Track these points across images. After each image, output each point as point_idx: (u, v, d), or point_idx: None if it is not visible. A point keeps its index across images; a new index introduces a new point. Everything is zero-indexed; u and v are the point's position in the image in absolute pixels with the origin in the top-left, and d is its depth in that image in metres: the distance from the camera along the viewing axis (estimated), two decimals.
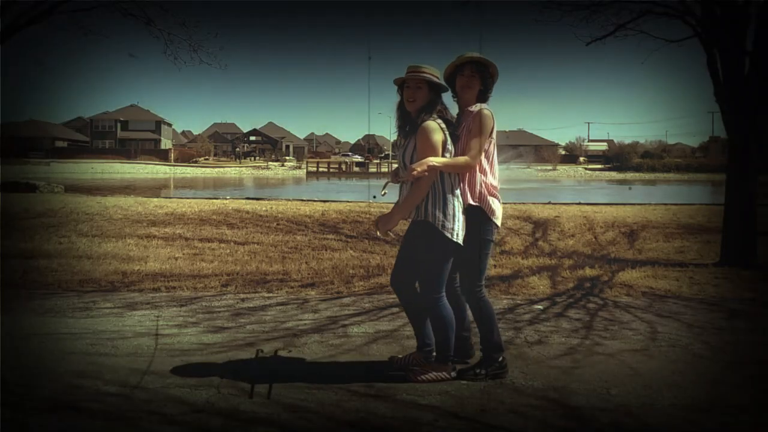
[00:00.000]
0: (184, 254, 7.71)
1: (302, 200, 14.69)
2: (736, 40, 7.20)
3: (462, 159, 3.42)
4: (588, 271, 6.77)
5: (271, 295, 5.66)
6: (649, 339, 4.34)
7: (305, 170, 61.05)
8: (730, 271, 6.85)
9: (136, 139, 78.43)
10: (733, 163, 7.45)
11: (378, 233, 3.61)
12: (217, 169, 63.68)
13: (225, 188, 34.58)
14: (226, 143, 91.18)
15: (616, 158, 71.55)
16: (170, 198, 17.23)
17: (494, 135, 3.56)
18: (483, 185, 3.51)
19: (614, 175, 61.11)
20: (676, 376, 3.61)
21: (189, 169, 63.36)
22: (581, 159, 76.39)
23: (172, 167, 63.21)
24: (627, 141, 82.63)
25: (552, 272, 6.74)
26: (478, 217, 3.49)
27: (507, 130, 77.47)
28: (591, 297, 5.65)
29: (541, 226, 10.27)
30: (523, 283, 6.17)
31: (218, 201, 14.04)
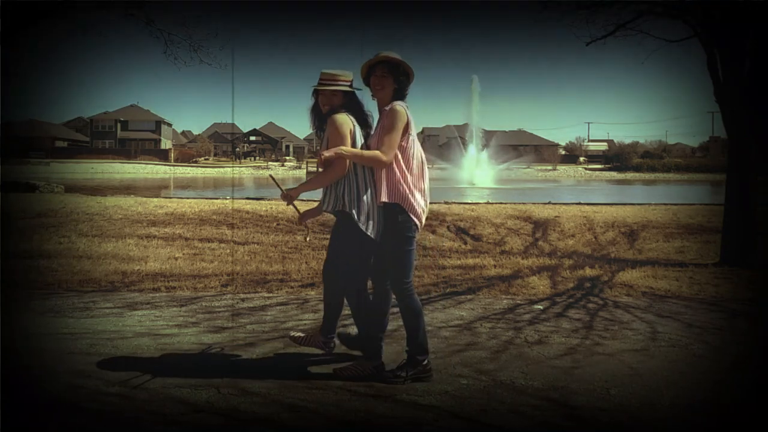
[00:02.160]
0: (184, 254, 7.71)
1: (302, 200, 14.67)
2: (736, 40, 7.20)
3: (373, 153, 3.48)
4: (588, 271, 6.77)
5: (271, 295, 5.66)
6: (649, 339, 4.35)
7: (305, 170, 61.00)
8: (730, 271, 6.85)
9: (136, 139, 78.39)
10: (733, 163, 7.45)
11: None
12: (217, 169, 63.66)
13: (225, 188, 34.56)
14: (226, 143, 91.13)
15: (616, 158, 71.49)
16: (170, 198, 17.21)
17: (412, 131, 3.56)
18: (403, 183, 3.51)
19: (614, 175, 61.04)
20: (676, 376, 3.62)
21: (189, 169, 63.33)
22: (581, 159, 76.33)
23: (172, 167, 63.18)
24: (627, 141, 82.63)
25: (552, 272, 6.74)
26: (397, 214, 3.51)
27: (507, 130, 77.49)
28: (591, 297, 5.65)
29: (541, 226, 10.27)
30: (523, 283, 6.17)
31: (218, 201, 14.03)
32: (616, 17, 8.13)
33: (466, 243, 8.92)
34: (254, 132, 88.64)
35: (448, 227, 9.92)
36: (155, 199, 15.01)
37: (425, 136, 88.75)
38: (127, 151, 71.87)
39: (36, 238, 8.73)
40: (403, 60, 3.58)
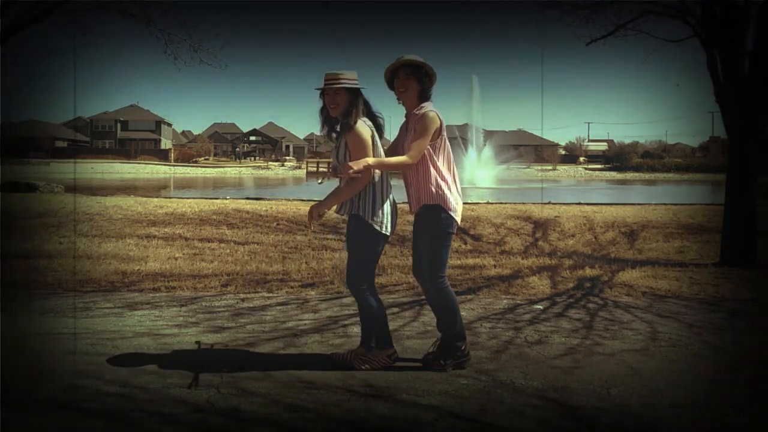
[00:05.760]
0: (184, 254, 7.71)
1: (302, 200, 14.68)
2: (736, 40, 7.20)
3: (398, 158, 3.60)
4: (588, 271, 6.78)
5: (271, 295, 5.66)
6: (649, 339, 4.35)
7: (305, 170, 60.96)
8: (730, 271, 6.85)
9: (136, 139, 78.41)
10: (733, 163, 7.45)
11: (309, 221, 3.69)
12: (217, 169, 63.64)
13: (225, 188, 34.54)
14: (226, 143, 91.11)
15: (616, 158, 71.51)
16: (170, 198, 17.21)
17: (444, 134, 3.68)
18: (442, 184, 3.63)
19: (614, 175, 61.06)
20: (676, 376, 3.62)
21: (189, 169, 63.32)
22: (581, 159, 76.33)
23: (172, 167, 63.16)
24: (627, 141, 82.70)
25: (552, 272, 6.74)
26: (439, 213, 3.62)
27: (507, 130, 77.52)
28: (591, 297, 5.65)
29: (541, 226, 10.27)
30: (523, 283, 6.17)
31: (218, 201, 14.03)
32: (616, 17, 8.13)
33: (466, 243, 8.92)
34: (254, 132, 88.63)
35: None
36: (155, 199, 15.01)
37: None
38: (127, 151, 71.87)
39: (36, 238, 8.73)
40: (425, 61, 3.65)
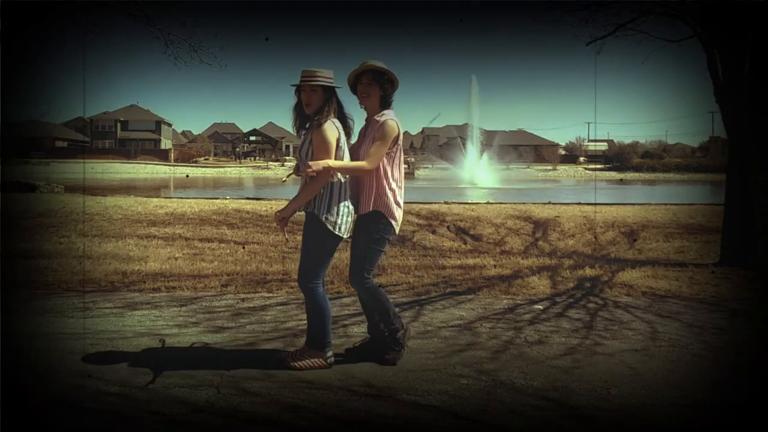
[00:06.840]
0: (184, 254, 7.71)
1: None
2: (736, 40, 7.20)
3: (357, 163, 3.66)
4: (588, 271, 6.77)
5: (271, 295, 5.66)
6: (649, 339, 4.35)
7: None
8: (730, 271, 6.85)
9: (136, 139, 78.38)
10: (733, 163, 7.45)
11: (281, 228, 3.76)
12: (217, 169, 63.64)
13: (225, 188, 34.52)
14: (226, 143, 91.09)
15: (616, 158, 71.50)
16: (170, 198, 17.20)
17: (400, 143, 3.77)
18: (387, 193, 3.73)
19: (614, 175, 61.05)
20: (676, 376, 3.62)
21: (189, 169, 63.31)
22: (581, 159, 76.31)
23: (172, 167, 63.13)
24: (627, 141, 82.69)
25: (552, 272, 6.74)
26: (380, 219, 3.72)
27: (507, 130, 77.51)
28: (591, 297, 5.65)
29: (541, 226, 10.27)
30: (523, 283, 6.17)
31: (218, 201, 14.03)
32: (616, 17, 8.14)
33: (466, 243, 8.92)
34: (254, 132, 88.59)
35: (448, 227, 9.92)
36: (155, 199, 15.01)
37: (425, 136, 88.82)
38: (127, 151, 71.84)
39: (36, 238, 8.73)
40: (388, 68, 3.75)
